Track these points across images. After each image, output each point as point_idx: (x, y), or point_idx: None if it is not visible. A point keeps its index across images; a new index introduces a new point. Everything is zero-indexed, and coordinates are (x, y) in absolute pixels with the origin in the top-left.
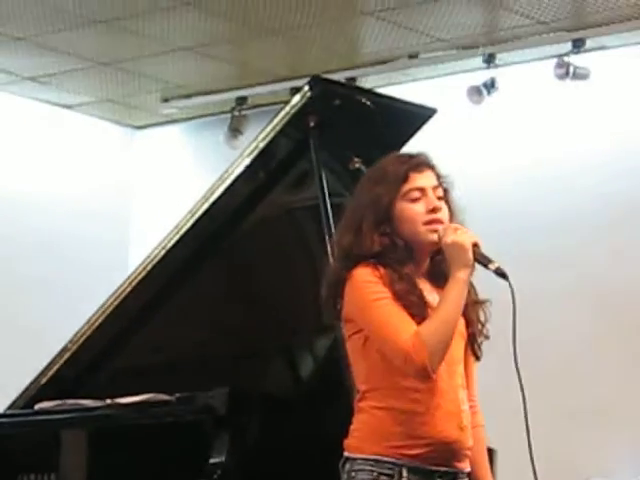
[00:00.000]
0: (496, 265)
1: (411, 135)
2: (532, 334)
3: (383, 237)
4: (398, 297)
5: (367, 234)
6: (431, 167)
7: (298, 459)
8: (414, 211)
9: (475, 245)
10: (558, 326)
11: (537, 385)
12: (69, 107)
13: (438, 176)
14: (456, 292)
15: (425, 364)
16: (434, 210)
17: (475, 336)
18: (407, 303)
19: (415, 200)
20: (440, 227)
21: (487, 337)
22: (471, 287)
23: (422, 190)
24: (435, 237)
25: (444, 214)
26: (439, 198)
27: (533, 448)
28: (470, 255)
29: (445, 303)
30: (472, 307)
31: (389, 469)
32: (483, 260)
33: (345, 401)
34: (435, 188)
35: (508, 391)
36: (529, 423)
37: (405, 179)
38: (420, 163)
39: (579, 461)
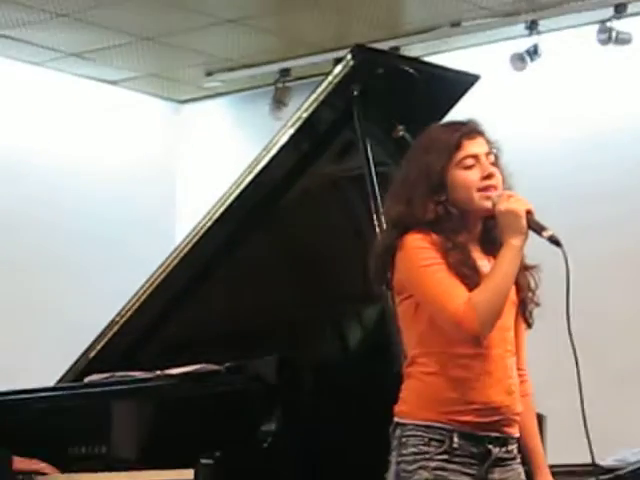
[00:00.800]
0: (550, 233)
1: (454, 102)
2: (583, 302)
3: (438, 206)
4: (451, 268)
5: (420, 203)
6: (482, 133)
7: (347, 426)
8: (469, 178)
9: (529, 212)
10: (609, 293)
11: (588, 352)
12: (113, 83)
13: (488, 142)
14: (509, 260)
15: (476, 331)
16: (489, 177)
17: (526, 302)
18: (460, 274)
19: (469, 167)
20: (494, 194)
21: (537, 304)
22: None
23: (476, 157)
24: (489, 204)
25: (498, 180)
26: (492, 164)
27: (576, 419)
28: (524, 222)
29: (498, 271)
30: (522, 273)
31: (440, 434)
32: (537, 227)
33: (393, 368)
34: (487, 154)
35: (559, 358)
36: (570, 392)
37: (458, 146)
38: (472, 130)
39: (631, 429)
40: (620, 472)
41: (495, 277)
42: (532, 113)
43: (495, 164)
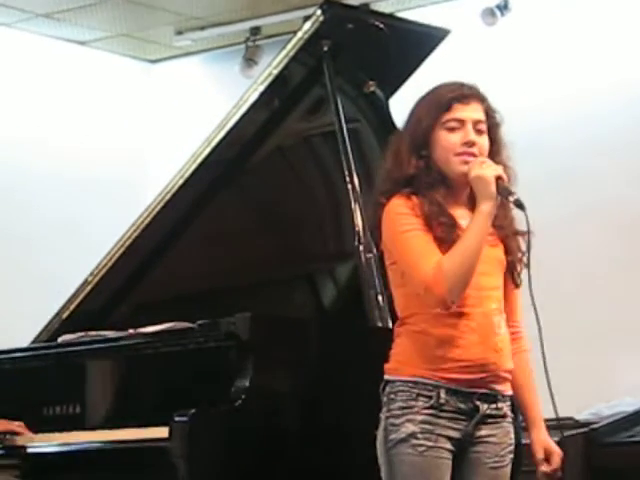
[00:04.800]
0: (515, 197)
1: (425, 57)
2: (552, 257)
3: (419, 160)
4: (428, 218)
5: (405, 156)
6: (480, 100)
7: (322, 382)
8: (449, 140)
9: (499, 178)
10: (577, 248)
11: (556, 308)
12: (83, 43)
13: (488, 110)
14: (479, 225)
15: (444, 296)
16: (468, 143)
17: (514, 264)
18: (437, 223)
19: (452, 130)
20: (471, 159)
21: (527, 266)
22: (512, 218)
23: (461, 121)
24: (465, 168)
25: (481, 149)
26: (479, 132)
27: (552, 374)
28: (493, 188)
29: (467, 235)
30: (513, 237)
31: (427, 390)
32: (504, 192)
33: (367, 323)
34: (477, 122)
35: (529, 316)
36: (546, 348)
37: (447, 108)
38: (467, 95)
39: (601, 384)
40: (594, 426)
41: (464, 242)
42: (502, 68)
43: (487, 133)
